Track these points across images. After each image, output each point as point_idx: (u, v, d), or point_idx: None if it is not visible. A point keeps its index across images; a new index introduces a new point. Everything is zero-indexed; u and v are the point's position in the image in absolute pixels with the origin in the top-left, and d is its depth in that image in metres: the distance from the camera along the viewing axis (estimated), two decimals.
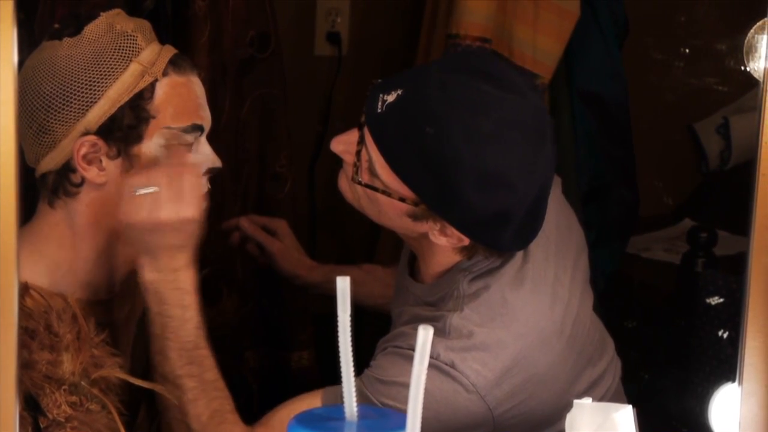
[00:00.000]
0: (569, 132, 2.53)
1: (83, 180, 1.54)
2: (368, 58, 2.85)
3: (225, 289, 2.16)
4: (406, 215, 1.58)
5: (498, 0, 2.37)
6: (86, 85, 1.52)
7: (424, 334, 0.93)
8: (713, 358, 2.44)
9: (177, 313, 1.55)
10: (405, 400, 0.95)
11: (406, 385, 0.95)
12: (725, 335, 2.42)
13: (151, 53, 1.55)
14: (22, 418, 1.37)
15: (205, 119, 1.60)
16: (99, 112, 1.52)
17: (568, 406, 1.23)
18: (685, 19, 3.11)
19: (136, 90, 1.53)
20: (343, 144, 1.62)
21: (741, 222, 1.16)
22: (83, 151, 1.52)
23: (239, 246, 2.09)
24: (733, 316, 2.42)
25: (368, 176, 1.59)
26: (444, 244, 1.60)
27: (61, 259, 1.56)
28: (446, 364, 1.55)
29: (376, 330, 1.78)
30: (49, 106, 1.52)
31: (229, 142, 2.15)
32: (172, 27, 2.05)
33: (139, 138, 1.54)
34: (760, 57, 1.41)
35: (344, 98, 2.79)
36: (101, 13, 1.56)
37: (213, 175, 1.63)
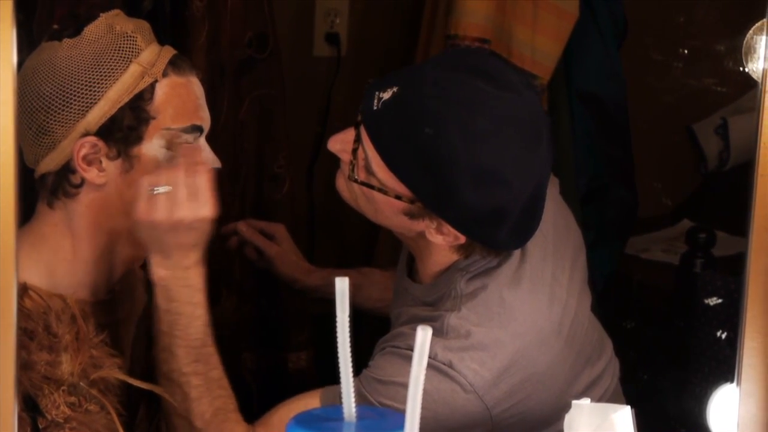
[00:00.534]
0: (568, 133, 2.53)
1: (83, 181, 1.54)
2: (367, 59, 2.85)
3: (224, 290, 2.16)
4: (402, 213, 1.59)
5: (497, 1, 2.37)
6: (86, 86, 1.52)
7: (423, 335, 0.93)
8: (712, 358, 2.44)
9: (187, 310, 1.55)
10: (403, 400, 0.95)
11: (404, 385, 0.95)
12: (724, 336, 2.42)
13: (151, 54, 1.55)
14: (20, 419, 1.37)
15: (205, 120, 1.60)
16: (99, 113, 1.52)
17: (567, 407, 1.23)
18: (683, 20, 3.12)
19: (136, 91, 1.53)
20: (340, 143, 1.62)
21: (740, 223, 1.16)
22: (83, 152, 1.52)
23: (237, 250, 2.09)
24: (731, 316, 2.42)
25: (365, 174, 1.59)
26: (440, 242, 1.60)
27: (60, 259, 1.56)
28: (444, 364, 1.56)
29: (375, 331, 1.78)
30: (49, 107, 1.52)
31: (228, 143, 2.15)
32: (170, 28, 2.05)
33: (139, 139, 1.54)
34: (758, 58, 1.41)
35: (343, 99, 2.79)
36: (101, 14, 1.56)
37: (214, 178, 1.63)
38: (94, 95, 1.52)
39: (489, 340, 1.58)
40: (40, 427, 1.40)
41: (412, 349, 0.93)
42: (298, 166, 2.64)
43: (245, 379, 2.23)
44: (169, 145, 1.55)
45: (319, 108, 2.80)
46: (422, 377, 0.93)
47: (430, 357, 1.33)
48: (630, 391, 1.82)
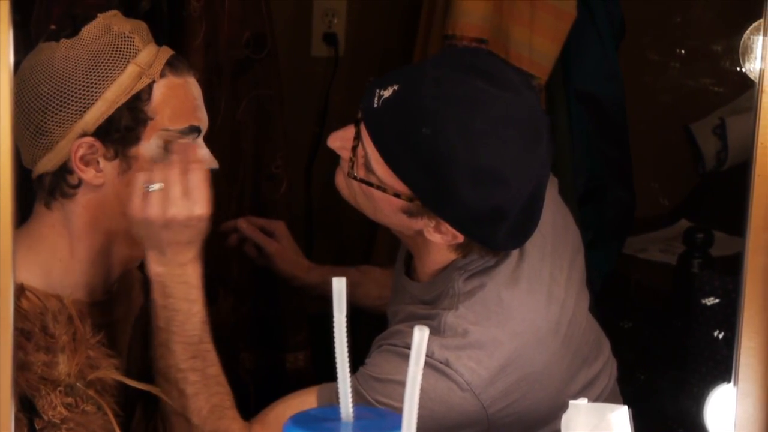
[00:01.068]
0: (566, 133, 2.53)
1: (80, 181, 1.54)
2: (365, 59, 2.85)
3: (221, 290, 2.16)
4: (401, 211, 1.59)
5: (494, 1, 2.37)
6: (83, 86, 1.51)
7: (420, 335, 0.93)
8: (709, 358, 2.44)
9: (183, 306, 1.56)
10: (400, 398, 0.95)
11: (400, 383, 0.95)
12: (721, 336, 2.42)
13: (149, 55, 1.55)
14: (17, 419, 1.37)
15: (203, 121, 1.60)
16: (96, 114, 1.52)
17: (563, 406, 1.23)
18: (681, 20, 3.12)
19: (134, 91, 1.53)
20: (340, 140, 1.63)
21: (737, 223, 1.16)
22: (80, 152, 1.52)
23: (237, 247, 2.09)
24: (728, 316, 2.42)
25: (364, 172, 1.59)
26: (439, 241, 1.60)
27: (57, 260, 1.56)
28: (441, 362, 1.56)
29: (372, 330, 1.78)
30: (47, 108, 1.51)
31: (225, 143, 2.15)
32: (167, 28, 2.05)
33: (136, 140, 1.54)
34: (755, 58, 1.41)
35: (341, 99, 2.79)
36: (98, 15, 1.56)
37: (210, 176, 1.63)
38: (92, 96, 1.52)
39: (486, 339, 1.58)
40: (37, 427, 1.40)
41: (409, 347, 0.93)
42: (296, 166, 2.64)
43: (243, 380, 2.23)
44: (167, 146, 1.55)
45: (316, 108, 2.80)
46: (419, 377, 0.93)
47: (426, 355, 1.32)
48: (627, 391, 1.82)
